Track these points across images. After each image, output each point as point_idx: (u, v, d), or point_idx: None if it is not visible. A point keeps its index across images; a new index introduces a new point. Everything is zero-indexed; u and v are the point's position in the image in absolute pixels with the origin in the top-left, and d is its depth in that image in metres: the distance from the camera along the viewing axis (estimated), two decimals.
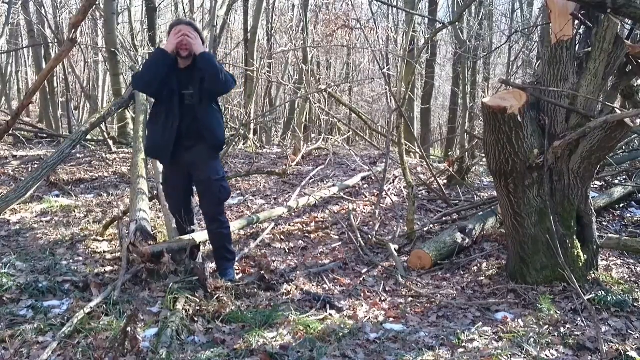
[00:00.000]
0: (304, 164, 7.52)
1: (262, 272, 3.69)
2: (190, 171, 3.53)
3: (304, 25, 10.47)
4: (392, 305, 3.33)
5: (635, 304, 3.08)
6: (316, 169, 6.93)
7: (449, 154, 10.08)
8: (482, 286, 3.59)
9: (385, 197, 5.61)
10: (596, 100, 3.31)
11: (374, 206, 5.32)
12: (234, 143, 8.03)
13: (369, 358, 2.57)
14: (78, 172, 6.76)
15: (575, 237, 3.41)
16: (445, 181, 6.36)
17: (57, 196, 5.82)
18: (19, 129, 9.00)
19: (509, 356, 2.52)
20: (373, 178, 6.38)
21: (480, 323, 2.95)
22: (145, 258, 3.28)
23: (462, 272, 3.87)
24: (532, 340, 2.68)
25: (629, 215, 5.03)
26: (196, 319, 2.87)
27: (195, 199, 3.79)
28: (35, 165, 6.47)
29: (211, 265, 3.68)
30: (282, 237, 4.71)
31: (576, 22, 3.38)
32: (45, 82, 8.72)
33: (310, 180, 6.49)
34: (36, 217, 5.06)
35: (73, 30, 3.77)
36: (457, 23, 9.42)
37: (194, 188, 3.68)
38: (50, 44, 12.18)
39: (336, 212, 5.41)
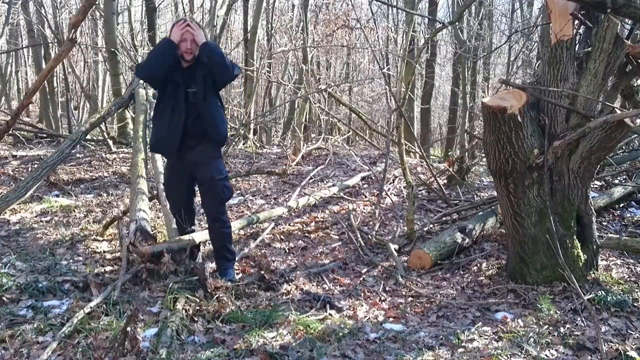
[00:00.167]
0: (304, 164, 7.52)
1: (262, 272, 3.70)
2: (193, 171, 3.53)
3: (304, 25, 10.46)
4: (392, 305, 3.33)
5: (635, 304, 3.08)
6: (316, 169, 6.93)
7: (449, 154, 10.07)
8: (482, 286, 3.59)
9: (385, 197, 5.61)
10: (596, 100, 3.31)
11: (374, 206, 5.32)
12: (233, 143, 8.03)
13: (369, 358, 2.57)
14: (78, 172, 6.76)
15: (575, 237, 3.41)
16: (445, 181, 6.36)
17: (57, 196, 5.82)
18: (18, 128, 9.00)
19: (508, 356, 2.53)
20: (373, 178, 6.38)
21: (480, 323, 2.95)
22: (145, 258, 3.28)
23: (462, 272, 3.87)
24: (532, 340, 2.68)
25: (629, 215, 5.03)
26: (196, 318, 2.87)
27: (197, 199, 3.80)
28: (35, 165, 6.47)
29: (211, 265, 3.69)
30: (282, 237, 4.71)
31: (576, 22, 3.38)
32: (45, 82, 8.72)
33: (310, 180, 6.49)
34: (36, 217, 5.06)
35: (73, 30, 3.77)
36: (457, 23, 9.41)
37: (196, 188, 3.69)
38: (50, 44, 12.18)
39: (336, 212, 5.41)
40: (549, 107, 3.36)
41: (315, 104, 8.94)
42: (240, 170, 6.94)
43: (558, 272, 3.24)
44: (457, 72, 11.96)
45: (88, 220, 4.94)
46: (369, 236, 4.64)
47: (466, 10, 10.06)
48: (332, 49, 13.08)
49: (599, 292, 3.16)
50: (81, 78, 13.51)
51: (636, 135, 5.23)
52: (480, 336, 2.77)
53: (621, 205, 5.22)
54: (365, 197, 5.90)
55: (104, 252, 4.07)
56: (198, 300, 3.03)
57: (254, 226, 4.79)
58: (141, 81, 6.08)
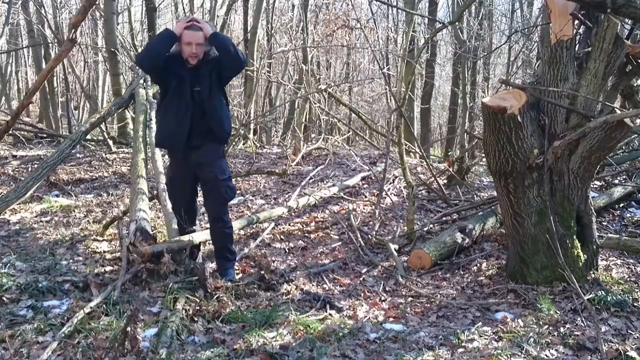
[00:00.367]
0: (304, 164, 7.52)
1: (262, 272, 3.69)
2: (197, 171, 3.53)
3: (304, 25, 10.46)
4: (392, 305, 3.33)
5: (635, 304, 3.08)
6: (316, 169, 6.93)
7: (449, 154, 10.07)
8: (482, 286, 3.59)
9: (385, 197, 5.61)
10: (596, 100, 3.31)
11: (374, 206, 5.32)
12: (233, 143, 8.03)
13: (369, 358, 2.58)
14: (78, 172, 6.75)
15: (575, 237, 3.41)
16: (445, 181, 6.36)
17: (57, 196, 5.82)
18: (18, 128, 9.00)
19: (508, 356, 2.53)
20: (373, 178, 6.38)
21: (480, 323, 2.95)
22: (145, 258, 3.28)
23: (462, 272, 3.87)
24: (532, 340, 2.68)
25: (628, 215, 5.03)
26: (196, 319, 2.87)
27: (199, 199, 3.79)
28: (35, 165, 6.47)
29: (211, 265, 3.68)
30: (282, 237, 4.71)
31: (576, 22, 3.38)
32: (45, 82, 8.72)
33: (310, 180, 6.49)
34: (36, 217, 5.06)
35: (73, 30, 3.77)
36: (457, 23, 9.41)
37: (198, 187, 3.69)
38: (50, 44, 12.17)
39: (336, 212, 5.41)
40: (549, 107, 3.36)
41: (315, 104, 8.94)
42: (240, 170, 6.94)
43: (558, 272, 3.24)
44: (457, 72, 11.96)
45: (88, 220, 4.94)
46: (369, 236, 4.64)
47: (466, 10, 10.05)
48: (332, 49, 13.07)
49: (599, 292, 3.16)
50: (81, 78, 13.52)
51: (636, 135, 5.23)
52: (480, 336, 2.77)
53: (621, 205, 5.22)
54: (365, 197, 5.90)
55: (104, 252, 4.07)
56: (198, 300, 3.03)
57: (254, 226, 4.79)
58: (141, 81, 6.10)
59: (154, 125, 5.15)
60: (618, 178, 5.86)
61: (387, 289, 3.66)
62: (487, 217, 4.61)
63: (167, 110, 3.46)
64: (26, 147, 8.49)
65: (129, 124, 8.67)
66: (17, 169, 6.80)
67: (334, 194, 5.77)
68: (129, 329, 2.42)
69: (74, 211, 5.24)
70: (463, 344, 2.68)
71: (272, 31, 12.25)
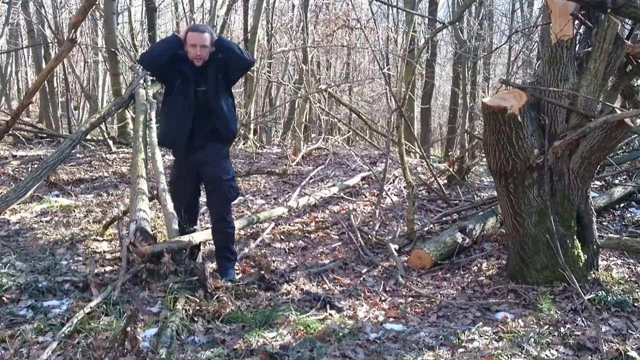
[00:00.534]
0: (304, 164, 7.52)
1: (262, 272, 3.69)
2: (200, 170, 3.53)
3: (304, 25, 10.46)
4: (392, 305, 3.33)
5: (636, 304, 3.08)
6: (316, 169, 6.93)
7: (449, 154, 10.07)
8: (482, 286, 3.59)
9: (385, 197, 5.61)
10: (596, 100, 3.31)
11: (374, 206, 5.32)
12: (234, 143, 8.03)
13: (369, 358, 2.57)
14: (78, 172, 6.75)
15: (575, 237, 3.41)
16: (445, 181, 6.35)
17: (57, 196, 5.82)
18: (18, 128, 8.99)
19: (509, 356, 2.52)
20: (373, 178, 6.38)
21: (481, 323, 2.95)
22: (145, 258, 3.28)
23: (462, 272, 3.87)
24: (532, 340, 2.68)
25: (629, 215, 5.03)
26: (196, 319, 2.87)
27: (201, 198, 3.79)
28: (35, 165, 6.47)
29: (211, 265, 3.68)
30: (282, 237, 4.71)
31: (576, 22, 3.38)
32: (45, 82, 8.72)
33: (310, 180, 6.49)
34: (36, 217, 5.06)
35: (73, 30, 3.77)
36: (457, 23, 9.41)
37: (201, 186, 3.69)
38: (50, 44, 12.17)
39: (336, 212, 5.41)
40: (549, 107, 3.36)
41: (315, 104, 8.94)
42: (240, 170, 6.94)
43: (558, 272, 3.24)
44: (457, 72, 11.97)
45: (88, 220, 4.94)
46: (369, 236, 4.64)
47: (466, 10, 10.05)
48: (332, 49, 13.07)
49: (599, 292, 3.16)
50: (81, 78, 13.52)
51: (636, 135, 5.23)
52: (481, 336, 2.77)
53: (621, 205, 5.22)
54: (365, 197, 5.90)
55: (104, 252, 4.07)
56: (198, 300, 3.03)
57: (254, 226, 4.79)
58: (141, 81, 6.09)
59: (154, 125, 5.15)
60: (618, 178, 5.86)
61: (387, 289, 3.66)
62: (487, 217, 4.61)
63: (170, 109, 3.46)
64: (26, 147, 8.49)
65: (129, 124, 8.67)
66: (17, 169, 6.80)
67: (334, 194, 5.77)
68: (129, 329, 2.42)
69: (74, 211, 5.24)
70: (463, 344, 2.68)
71: (272, 31, 12.25)
